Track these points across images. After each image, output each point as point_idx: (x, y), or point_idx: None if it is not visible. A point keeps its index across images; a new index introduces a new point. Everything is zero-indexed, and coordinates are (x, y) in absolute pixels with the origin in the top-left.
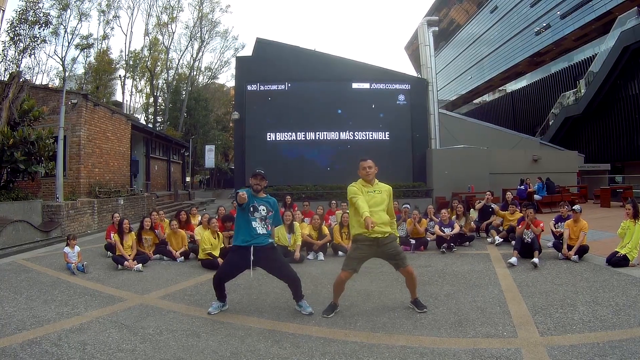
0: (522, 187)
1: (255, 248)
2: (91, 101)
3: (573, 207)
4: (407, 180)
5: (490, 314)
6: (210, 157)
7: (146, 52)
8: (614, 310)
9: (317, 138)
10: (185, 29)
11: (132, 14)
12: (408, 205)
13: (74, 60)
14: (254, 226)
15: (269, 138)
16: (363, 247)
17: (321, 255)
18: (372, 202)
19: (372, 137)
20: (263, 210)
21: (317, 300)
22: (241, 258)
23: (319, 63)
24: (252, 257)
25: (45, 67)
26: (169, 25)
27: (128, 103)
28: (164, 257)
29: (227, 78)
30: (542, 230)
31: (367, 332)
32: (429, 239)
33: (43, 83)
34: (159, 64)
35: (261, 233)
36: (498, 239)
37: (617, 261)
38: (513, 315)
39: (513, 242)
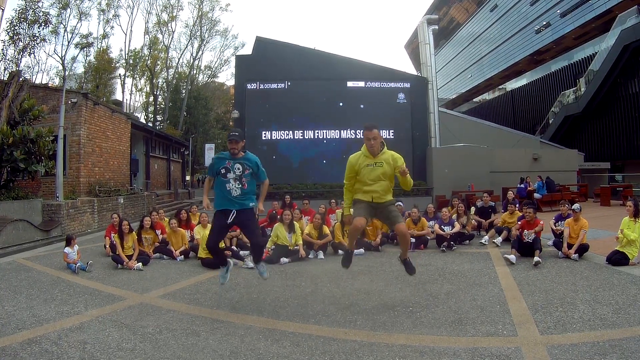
0: (522, 185)
1: (237, 211)
2: (91, 100)
3: (573, 206)
4: None
5: (490, 312)
6: (210, 156)
7: (146, 51)
8: (614, 309)
9: (316, 136)
10: (185, 28)
11: (131, 12)
12: (401, 203)
13: (73, 59)
14: (228, 189)
15: (269, 137)
16: (365, 205)
17: (321, 254)
18: (371, 176)
19: None
20: (238, 169)
21: (317, 299)
22: (222, 220)
23: (319, 62)
24: (230, 219)
25: (45, 66)
26: (169, 24)
27: (128, 102)
28: (164, 256)
29: (227, 77)
30: (542, 229)
31: (367, 330)
32: (428, 237)
33: (43, 82)
34: (158, 62)
35: (236, 195)
36: (499, 240)
37: (617, 260)
38: (513, 313)
39: (512, 241)
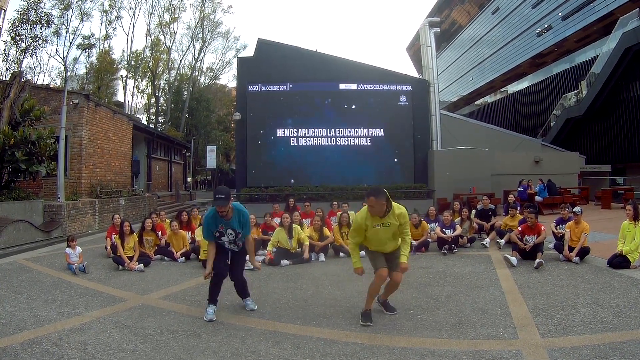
0: (521, 188)
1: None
2: (93, 101)
3: (574, 209)
4: (408, 182)
5: (491, 315)
6: (211, 158)
7: (148, 53)
8: (615, 312)
9: (318, 139)
10: (187, 30)
11: (134, 14)
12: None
13: (75, 60)
14: (225, 248)
15: (271, 139)
16: (378, 253)
17: (322, 257)
18: (379, 235)
19: (373, 138)
20: (231, 234)
21: (318, 302)
22: (224, 255)
23: (321, 64)
24: (229, 261)
25: (47, 67)
26: (171, 25)
27: (130, 103)
28: (165, 258)
29: (228, 79)
30: (544, 237)
31: (368, 333)
32: (430, 240)
33: (44, 83)
34: (160, 64)
35: (232, 250)
36: (502, 242)
37: (618, 263)
38: (514, 316)
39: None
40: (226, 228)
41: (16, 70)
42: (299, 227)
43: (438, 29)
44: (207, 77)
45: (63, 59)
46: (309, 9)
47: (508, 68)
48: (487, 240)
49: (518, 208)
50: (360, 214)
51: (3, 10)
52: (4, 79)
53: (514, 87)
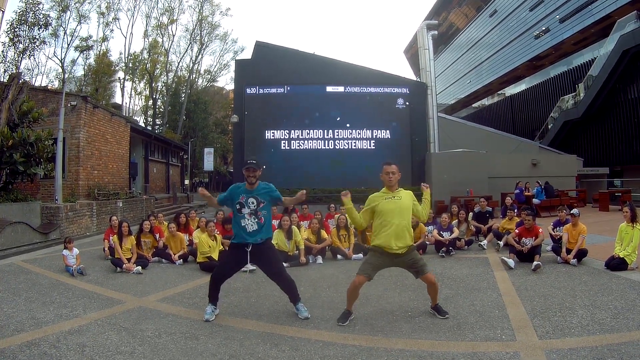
0: (517, 190)
1: (253, 245)
2: (90, 103)
3: (571, 211)
4: (405, 184)
5: (489, 317)
6: (209, 160)
7: (145, 55)
8: (612, 313)
9: (316, 142)
10: (185, 32)
11: (132, 15)
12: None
13: (73, 62)
14: (243, 225)
15: (268, 142)
16: (382, 256)
17: (320, 259)
18: (389, 207)
19: (371, 140)
20: (252, 203)
21: (315, 304)
22: (238, 256)
23: (319, 66)
24: (249, 255)
25: (45, 68)
26: (169, 27)
27: (127, 105)
28: (163, 260)
29: (226, 81)
30: (542, 240)
31: (366, 335)
32: (427, 242)
33: (42, 85)
34: (158, 66)
35: (252, 231)
36: (499, 244)
37: (616, 265)
38: (512, 318)
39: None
40: (247, 197)
41: (14, 71)
42: (297, 230)
43: (436, 32)
44: (204, 80)
45: (61, 61)
46: (307, 12)
47: (505, 71)
48: (485, 242)
49: (515, 210)
50: (373, 194)
51: (1, 12)
52: (2, 80)
53: (512, 90)
